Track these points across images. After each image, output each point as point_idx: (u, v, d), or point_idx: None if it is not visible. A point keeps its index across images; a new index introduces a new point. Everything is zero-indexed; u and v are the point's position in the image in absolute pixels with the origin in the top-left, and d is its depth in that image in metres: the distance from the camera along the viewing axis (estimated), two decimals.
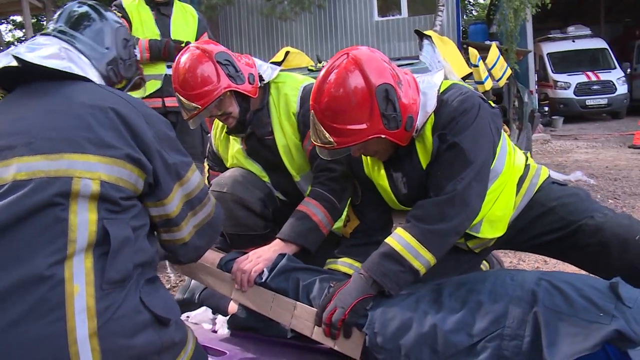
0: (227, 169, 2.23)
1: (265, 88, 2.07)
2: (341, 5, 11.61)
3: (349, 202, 1.94)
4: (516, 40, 9.95)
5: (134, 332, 1.11)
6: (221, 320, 1.90)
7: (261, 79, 2.02)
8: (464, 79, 3.95)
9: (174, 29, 3.28)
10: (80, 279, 1.06)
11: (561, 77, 13.18)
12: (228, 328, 1.84)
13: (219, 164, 2.30)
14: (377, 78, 1.50)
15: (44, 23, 14.39)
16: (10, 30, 20.10)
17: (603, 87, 12.83)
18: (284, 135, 2.06)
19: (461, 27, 12.27)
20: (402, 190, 1.73)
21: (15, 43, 19.84)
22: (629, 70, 13.73)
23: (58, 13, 1.45)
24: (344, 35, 11.69)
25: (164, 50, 3.15)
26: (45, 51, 1.28)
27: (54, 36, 1.37)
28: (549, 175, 1.84)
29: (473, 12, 26.34)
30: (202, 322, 1.95)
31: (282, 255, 1.77)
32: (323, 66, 1.63)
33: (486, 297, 1.40)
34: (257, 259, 1.75)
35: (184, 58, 1.90)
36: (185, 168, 1.34)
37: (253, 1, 11.56)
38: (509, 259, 3.07)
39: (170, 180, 1.29)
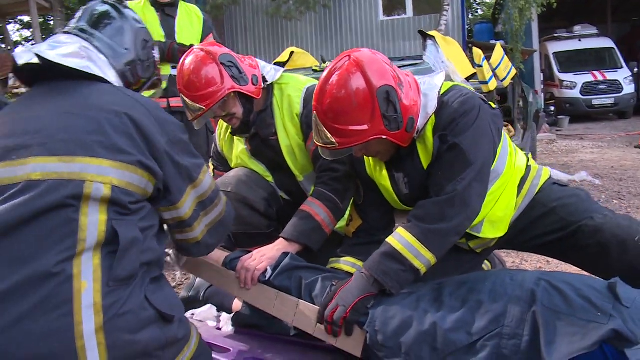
0: (232, 168, 2.26)
1: (268, 89, 2.09)
2: (346, 4, 11.62)
3: (351, 201, 1.96)
4: (521, 40, 9.93)
5: (139, 328, 1.13)
6: (225, 317, 1.92)
7: (264, 80, 2.05)
8: (468, 79, 3.95)
9: (179, 30, 3.31)
10: (88, 276, 1.09)
11: (567, 77, 13.12)
12: (232, 325, 1.86)
13: (223, 164, 2.33)
14: (378, 80, 1.52)
15: (51, 23, 14.48)
16: (17, 30, 20.25)
17: (610, 87, 12.77)
18: (288, 136, 2.08)
19: (466, 27, 12.27)
20: (403, 191, 1.75)
21: (23, 43, 19.97)
22: (636, 69, 13.62)
23: (80, 11, 1.46)
24: (349, 34, 11.71)
25: (168, 52, 3.18)
26: (65, 49, 1.30)
27: (75, 35, 1.38)
28: (550, 176, 1.85)
29: (479, 11, 26.24)
30: (206, 319, 1.98)
31: (285, 254, 1.79)
32: (327, 66, 1.65)
33: (486, 297, 1.41)
34: (261, 258, 1.77)
35: (188, 60, 1.92)
36: (197, 170, 1.37)
37: (258, 1, 11.60)
38: (511, 259, 3.08)
39: (183, 184, 1.32)
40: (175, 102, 3.21)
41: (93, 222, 1.12)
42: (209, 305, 2.04)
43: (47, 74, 1.28)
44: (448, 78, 3.49)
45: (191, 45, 3.11)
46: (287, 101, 2.07)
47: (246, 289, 1.73)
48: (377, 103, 1.51)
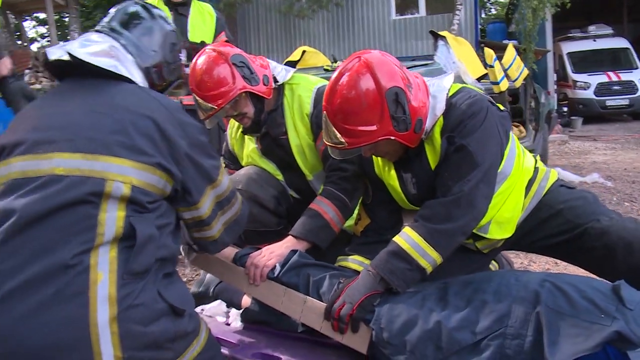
0: (242, 167, 2.30)
1: (279, 89, 2.12)
2: (359, 3, 11.60)
3: (360, 201, 1.98)
4: (535, 40, 9.84)
5: (151, 320, 1.17)
6: (234, 313, 1.95)
7: (275, 80, 2.08)
8: (479, 79, 3.94)
9: (191, 29, 3.34)
10: (104, 267, 1.13)
11: (581, 77, 12.97)
12: (241, 321, 1.89)
13: (234, 162, 2.36)
14: (387, 81, 1.54)
15: (66, 20, 14.63)
16: (33, 27, 20.46)
17: (624, 88, 12.60)
18: (298, 136, 2.11)
19: (479, 26, 12.19)
20: (411, 191, 1.77)
21: (38, 39, 20.19)
22: None
23: (113, 11, 1.49)
24: (361, 33, 11.69)
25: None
26: (95, 48, 1.34)
27: (106, 34, 1.42)
28: (558, 178, 1.86)
29: (492, 10, 26.01)
30: (216, 314, 2.00)
31: (294, 252, 1.82)
32: (338, 66, 1.68)
33: (491, 297, 1.43)
34: (270, 255, 1.80)
35: (200, 60, 1.95)
36: (216, 171, 1.41)
37: None
38: (519, 260, 3.08)
39: (202, 184, 1.36)
40: (187, 100, 3.24)
41: (111, 218, 1.16)
42: (218, 301, 2.07)
43: (77, 71, 1.32)
44: (459, 78, 3.50)
45: (202, 43, 3.15)
46: (298, 101, 2.10)
47: (255, 285, 1.76)
48: (386, 104, 1.53)
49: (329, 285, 1.67)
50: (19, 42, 13.40)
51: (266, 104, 2.08)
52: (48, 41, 16.06)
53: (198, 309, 2.00)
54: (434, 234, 1.54)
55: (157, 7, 1.57)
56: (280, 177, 2.23)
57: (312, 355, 1.64)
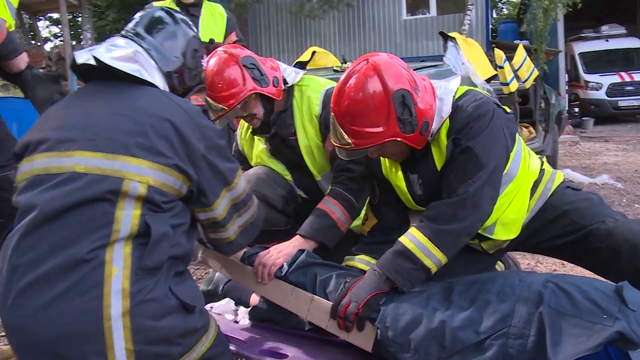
0: (252, 167, 2.33)
1: (289, 91, 2.15)
2: (370, 3, 11.60)
3: (367, 201, 2.00)
4: (546, 40, 9.78)
5: (162, 315, 1.21)
6: (243, 311, 1.97)
7: (285, 82, 2.10)
8: (488, 80, 3.94)
9: (203, 30, 3.37)
10: (119, 263, 1.17)
11: (593, 78, 12.87)
12: (249, 319, 1.92)
13: (243, 163, 2.39)
14: (394, 83, 1.56)
15: (79, 20, 14.78)
16: (47, 27, 20.70)
17: (637, 88, 12.48)
18: (306, 136, 2.13)
19: (490, 26, 12.14)
20: (417, 192, 1.79)
21: (52, 39, 20.40)
22: None
23: (138, 16, 1.53)
24: (372, 33, 11.69)
25: None
26: (119, 52, 1.38)
27: (131, 39, 1.46)
28: (564, 180, 1.87)
29: (504, 10, 25.85)
30: (224, 312, 2.03)
31: (301, 251, 1.85)
32: (347, 67, 1.70)
33: (494, 297, 1.45)
34: (278, 254, 1.83)
35: (212, 62, 1.99)
36: (233, 174, 1.44)
37: None
38: (526, 261, 3.08)
39: (218, 187, 1.39)
40: (197, 100, 3.27)
41: (127, 216, 1.20)
42: (227, 299, 2.10)
43: (102, 74, 1.36)
44: (468, 79, 3.50)
45: (211, 41, 3.16)
46: (307, 102, 2.12)
47: (263, 283, 1.79)
48: (393, 106, 1.55)
49: (335, 285, 1.70)
50: (33, 42, 13.57)
51: (276, 105, 2.11)
52: (61, 41, 16.25)
53: (207, 307, 2.03)
54: (439, 235, 1.56)
55: (180, 12, 1.60)
56: (288, 177, 2.26)
57: (319, 353, 1.66)
